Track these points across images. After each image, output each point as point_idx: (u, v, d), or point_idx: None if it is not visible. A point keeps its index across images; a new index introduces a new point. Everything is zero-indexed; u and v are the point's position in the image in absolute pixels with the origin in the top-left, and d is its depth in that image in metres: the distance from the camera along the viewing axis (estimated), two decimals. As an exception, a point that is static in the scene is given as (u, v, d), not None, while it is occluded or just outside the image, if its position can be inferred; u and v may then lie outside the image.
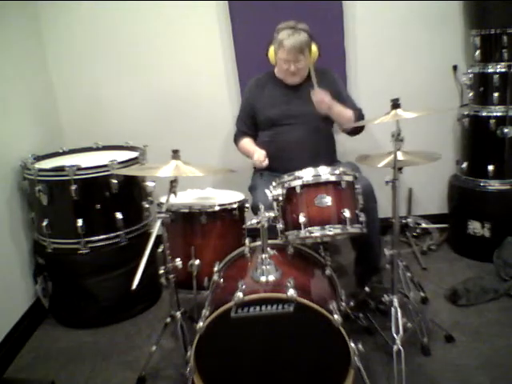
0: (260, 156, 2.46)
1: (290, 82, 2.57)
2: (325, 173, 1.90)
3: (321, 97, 2.42)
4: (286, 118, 2.55)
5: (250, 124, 2.68)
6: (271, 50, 2.57)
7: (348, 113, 2.51)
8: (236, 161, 3.03)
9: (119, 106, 3.15)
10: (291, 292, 1.62)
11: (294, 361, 1.72)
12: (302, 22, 2.47)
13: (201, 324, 1.67)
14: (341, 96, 2.65)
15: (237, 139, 2.73)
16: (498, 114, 2.69)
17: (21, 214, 2.60)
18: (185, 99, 3.12)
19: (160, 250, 2.05)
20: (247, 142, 2.66)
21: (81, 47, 3.06)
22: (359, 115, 2.58)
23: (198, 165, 1.97)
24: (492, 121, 2.70)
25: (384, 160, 2.06)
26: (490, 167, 2.75)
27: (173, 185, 1.89)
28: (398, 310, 1.99)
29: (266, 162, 2.45)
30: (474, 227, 2.83)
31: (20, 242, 2.58)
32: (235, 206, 2.21)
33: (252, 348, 1.71)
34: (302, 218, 1.84)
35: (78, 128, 3.14)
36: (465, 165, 2.90)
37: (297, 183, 1.89)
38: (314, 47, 2.53)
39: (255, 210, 1.89)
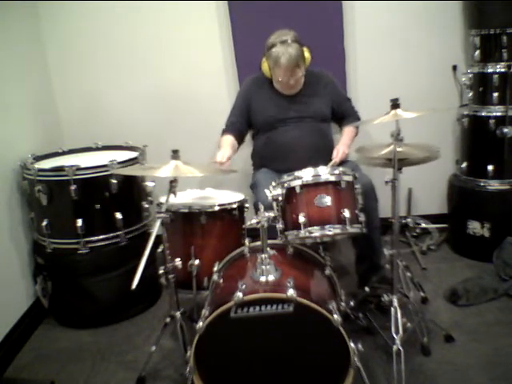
0: (221, 157, 2.37)
1: (288, 93, 2.58)
2: (324, 173, 1.90)
3: (343, 155, 2.49)
4: (282, 120, 2.57)
5: (243, 118, 2.65)
6: (265, 64, 2.54)
7: (353, 133, 2.68)
8: (236, 161, 3.03)
9: (119, 105, 3.15)
10: (291, 292, 1.62)
11: (294, 361, 1.72)
12: (289, 30, 2.44)
13: (200, 324, 1.67)
14: (340, 98, 2.70)
15: (222, 134, 2.66)
16: (498, 114, 2.69)
17: (20, 214, 2.60)
18: (185, 99, 3.12)
19: (160, 250, 2.05)
20: (226, 140, 2.57)
21: (80, 47, 3.06)
22: (357, 120, 2.72)
23: (198, 165, 1.97)
24: (491, 121, 2.70)
25: (382, 151, 2.05)
26: (490, 167, 2.75)
27: (172, 185, 1.89)
28: (398, 309, 1.99)
29: (225, 166, 2.36)
30: (474, 227, 2.83)
31: (20, 241, 2.58)
32: (235, 206, 2.20)
33: (252, 348, 1.71)
34: (301, 218, 1.84)
35: (78, 128, 3.14)
36: (464, 165, 2.90)
37: (296, 183, 1.89)
38: (306, 53, 2.48)
39: (257, 208, 1.89)
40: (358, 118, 2.74)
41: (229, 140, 2.56)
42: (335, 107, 2.67)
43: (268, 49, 2.46)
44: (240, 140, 2.66)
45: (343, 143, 2.58)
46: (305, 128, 2.56)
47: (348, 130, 2.67)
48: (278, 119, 2.56)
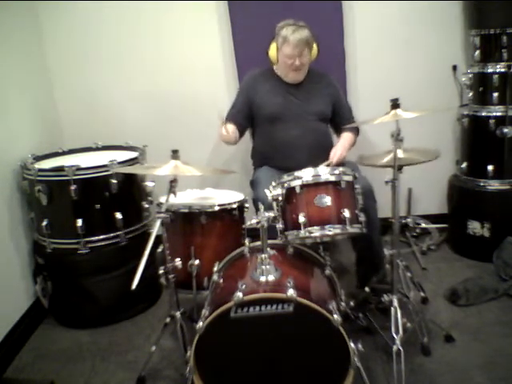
0: (224, 127, 2.40)
1: (292, 79, 2.58)
2: (324, 173, 1.90)
3: (340, 157, 2.47)
4: (284, 115, 2.56)
5: (244, 112, 2.65)
6: (272, 47, 2.57)
7: (352, 140, 2.67)
8: (236, 161, 3.04)
9: (119, 105, 3.15)
10: (291, 292, 1.62)
11: (294, 361, 1.72)
12: (301, 21, 2.50)
13: (200, 324, 1.68)
14: (340, 102, 2.70)
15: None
16: (498, 114, 2.69)
17: (20, 214, 2.60)
18: (184, 99, 3.11)
19: (160, 250, 2.05)
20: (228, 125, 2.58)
21: (80, 47, 3.06)
22: (356, 131, 2.71)
23: (198, 165, 1.97)
24: (491, 121, 2.70)
25: (384, 158, 2.06)
26: (490, 167, 2.75)
27: (172, 185, 1.89)
28: (398, 309, 1.99)
29: (230, 134, 2.43)
30: (474, 227, 2.83)
31: (20, 242, 2.58)
32: (235, 206, 2.21)
33: (252, 348, 1.71)
34: (301, 218, 1.84)
35: (78, 128, 3.14)
36: (464, 165, 2.90)
37: (296, 183, 1.89)
38: (314, 45, 2.55)
39: (256, 205, 1.89)
40: (356, 128, 2.70)
41: (231, 126, 2.56)
42: (334, 110, 2.66)
43: (278, 30, 2.50)
44: (240, 132, 2.65)
45: (342, 145, 2.56)
46: (306, 126, 2.56)
47: (346, 136, 2.65)
48: (280, 113, 2.56)
